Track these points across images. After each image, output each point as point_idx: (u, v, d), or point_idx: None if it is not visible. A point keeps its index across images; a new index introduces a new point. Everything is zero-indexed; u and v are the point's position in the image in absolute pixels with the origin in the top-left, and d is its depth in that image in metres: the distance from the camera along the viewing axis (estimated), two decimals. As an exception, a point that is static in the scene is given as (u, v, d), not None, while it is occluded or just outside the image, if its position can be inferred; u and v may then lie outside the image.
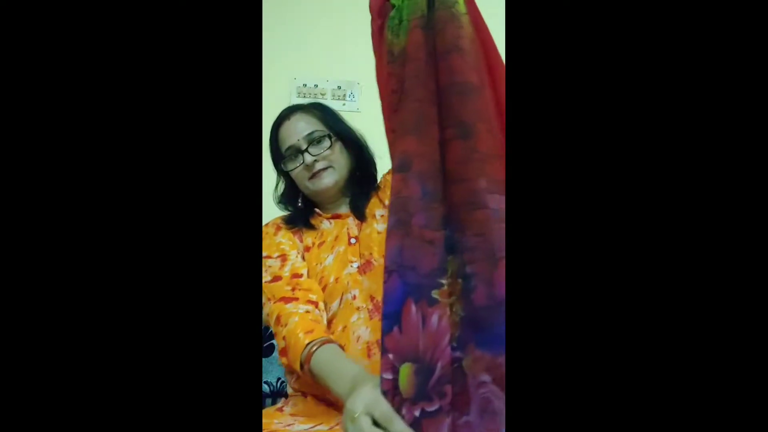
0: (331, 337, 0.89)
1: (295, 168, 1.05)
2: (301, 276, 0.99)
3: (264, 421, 0.84)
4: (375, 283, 0.95)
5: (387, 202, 1.03)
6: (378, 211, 1.05)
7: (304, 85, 1.87)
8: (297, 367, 0.87)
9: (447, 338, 0.62)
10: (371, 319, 0.93)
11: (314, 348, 0.85)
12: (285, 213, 1.13)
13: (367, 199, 1.07)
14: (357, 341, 0.92)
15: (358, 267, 0.99)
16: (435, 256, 0.64)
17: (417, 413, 0.60)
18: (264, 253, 1.02)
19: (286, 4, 1.90)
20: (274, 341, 1.38)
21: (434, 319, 0.62)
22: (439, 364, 0.61)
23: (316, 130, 1.04)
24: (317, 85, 1.88)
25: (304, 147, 1.03)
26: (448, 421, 0.59)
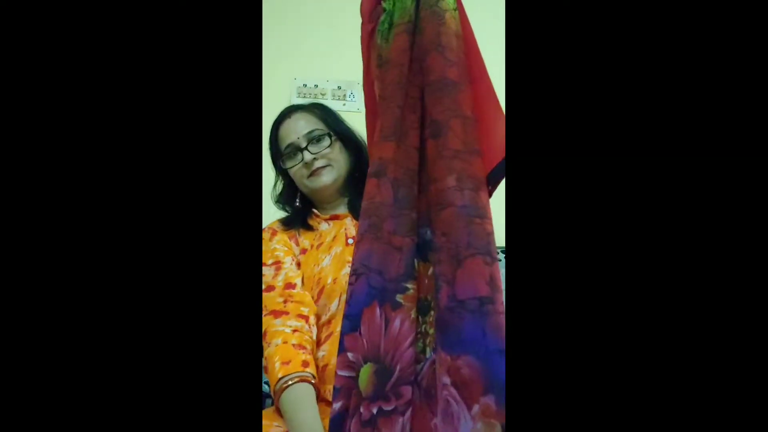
0: (307, 373, 0.88)
1: (294, 166, 1.05)
2: (294, 286, 0.98)
3: (264, 422, 0.84)
4: None
5: None
6: None
7: (304, 85, 1.87)
8: (272, 394, 0.88)
9: (409, 341, 0.63)
10: None
11: (286, 384, 0.85)
12: (282, 215, 1.13)
13: None
14: None
15: None
16: (402, 261, 0.65)
17: (374, 411, 0.61)
18: None
19: (287, 5, 1.90)
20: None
21: (397, 322, 0.63)
22: (398, 366, 0.62)
23: (316, 129, 1.05)
24: (317, 85, 1.88)
25: (303, 145, 1.04)
26: (402, 420, 0.60)
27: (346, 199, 1.09)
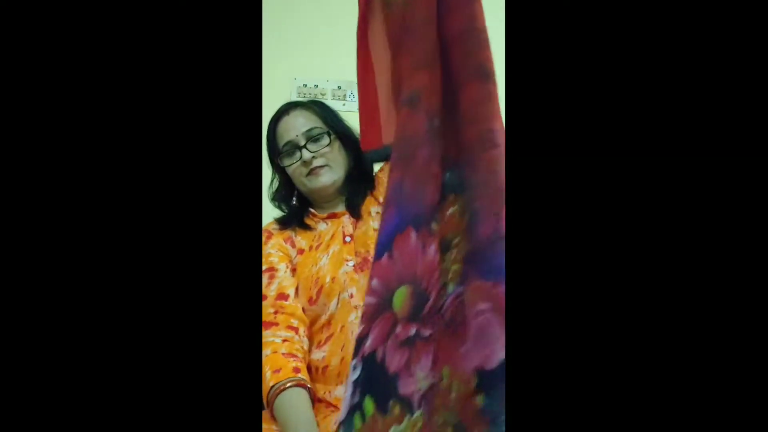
0: (299, 377, 0.88)
1: (293, 164, 1.04)
2: (287, 297, 0.97)
3: (263, 426, 0.84)
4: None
5: (381, 199, 1.03)
6: (373, 209, 1.04)
7: (305, 85, 1.87)
8: (265, 404, 0.88)
9: (438, 272, 0.63)
10: None
11: (279, 389, 0.85)
12: (278, 214, 1.12)
13: (364, 197, 1.06)
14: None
15: (354, 265, 0.98)
16: (437, 189, 0.65)
17: (412, 332, 0.61)
18: None
19: (287, 4, 1.90)
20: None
21: (432, 249, 0.63)
22: (433, 293, 0.62)
23: (316, 127, 1.04)
24: (317, 85, 1.88)
25: (302, 143, 1.02)
26: (433, 347, 0.60)
27: (344, 197, 1.08)
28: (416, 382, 0.59)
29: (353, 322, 0.93)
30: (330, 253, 1.01)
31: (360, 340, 0.63)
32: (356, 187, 1.08)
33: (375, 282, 0.63)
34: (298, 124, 1.04)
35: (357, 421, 0.60)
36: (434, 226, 0.64)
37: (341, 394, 0.90)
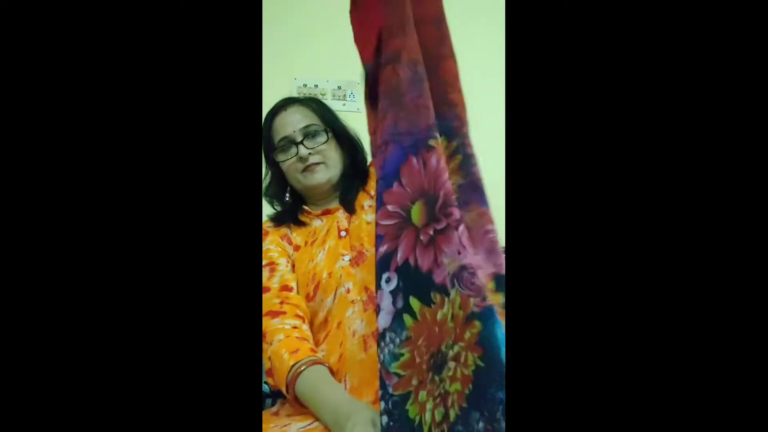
0: (319, 356, 0.87)
1: (288, 160, 1.03)
2: (291, 289, 0.97)
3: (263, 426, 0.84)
4: (369, 274, 0.94)
5: (373, 193, 1.02)
6: (366, 202, 1.04)
7: (305, 85, 1.87)
8: (283, 389, 0.86)
9: (446, 174, 0.71)
10: (365, 311, 0.92)
11: (300, 369, 0.83)
12: (271, 212, 1.11)
13: (357, 192, 1.06)
14: (353, 336, 0.91)
15: (350, 259, 0.98)
16: (429, 116, 0.74)
17: (431, 232, 0.69)
18: None
19: (287, 4, 1.90)
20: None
21: (433, 160, 0.71)
22: (441, 192, 0.69)
23: (313, 124, 1.03)
24: (317, 85, 1.88)
25: (299, 139, 1.02)
26: (456, 234, 0.68)
27: (338, 193, 1.08)
28: (445, 269, 0.67)
29: (350, 318, 0.93)
30: (326, 248, 1.00)
31: (386, 257, 0.71)
32: (350, 183, 1.07)
33: (390, 207, 0.72)
34: (295, 120, 1.04)
35: (408, 319, 0.68)
36: (432, 142, 0.72)
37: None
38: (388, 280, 0.70)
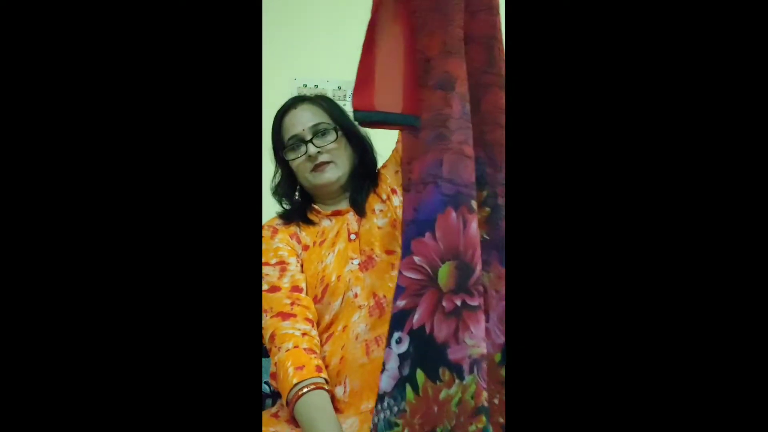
0: (322, 375, 0.87)
1: (297, 158, 1.02)
2: (301, 290, 0.96)
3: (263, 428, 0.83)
4: (378, 279, 0.94)
5: (385, 196, 1.03)
6: (377, 206, 1.03)
7: (305, 86, 1.87)
8: (284, 402, 0.86)
9: (480, 247, 0.67)
10: (371, 316, 0.92)
11: (302, 392, 0.83)
12: (280, 210, 1.10)
13: (367, 194, 1.05)
14: (356, 339, 0.91)
15: (359, 264, 0.97)
16: (473, 170, 0.69)
17: (458, 303, 0.65)
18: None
19: (287, 4, 1.89)
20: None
21: (474, 225, 0.67)
22: (477, 266, 0.66)
23: (323, 122, 1.02)
24: (317, 86, 1.88)
25: (308, 137, 1.01)
26: (483, 317, 0.65)
27: (347, 194, 1.06)
28: (466, 348, 0.63)
29: (356, 323, 0.93)
30: (336, 251, 1.00)
31: (402, 314, 0.66)
32: (360, 184, 1.06)
33: (417, 259, 0.66)
34: (304, 119, 1.03)
35: (409, 392, 0.64)
36: (473, 203, 0.68)
37: (341, 394, 0.90)
38: (399, 341, 0.65)
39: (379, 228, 0.99)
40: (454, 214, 0.66)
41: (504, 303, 0.65)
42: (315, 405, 0.83)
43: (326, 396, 0.85)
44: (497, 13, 0.74)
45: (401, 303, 0.66)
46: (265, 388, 1.34)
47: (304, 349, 0.88)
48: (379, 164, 1.11)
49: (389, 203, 1.03)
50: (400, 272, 0.67)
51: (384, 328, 0.88)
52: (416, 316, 0.65)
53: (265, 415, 0.93)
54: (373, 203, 1.04)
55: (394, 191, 1.03)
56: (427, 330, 0.64)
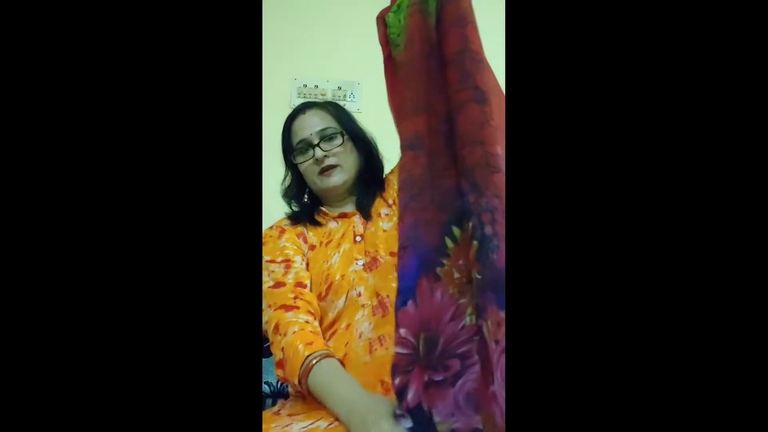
0: (331, 351, 0.88)
1: (305, 161, 1.06)
2: (305, 286, 0.99)
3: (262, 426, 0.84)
4: (381, 280, 0.96)
5: (391, 201, 1.06)
6: (383, 210, 1.06)
7: (304, 86, 1.87)
8: (295, 380, 0.86)
9: (450, 313, 0.64)
10: (374, 315, 0.93)
11: (313, 361, 0.84)
12: (289, 212, 1.14)
13: (374, 198, 1.08)
14: (360, 337, 0.92)
15: (363, 264, 0.99)
16: (439, 235, 0.66)
17: (426, 379, 0.62)
18: (267, 258, 1.02)
19: (286, 4, 1.90)
20: (274, 342, 1.38)
21: (438, 293, 0.64)
22: (442, 338, 0.63)
23: (330, 127, 1.06)
24: (317, 86, 1.88)
25: (315, 141, 1.05)
26: (453, 391, 0.61)
27: (354, 197, 1.10)
28: (435, 428, 0.60)
29: (359, 321, 0.94)
30: (341, 251, 1.03)
31: (401, 391, 0.64)
32: (366, 188, 1.10)
33: (404, 331, 0.64)
34: (312, 123, 1.07)
35: None
36: (438, 271, 0.65)
37: None
38: (404, 417, 0.63)
39: (384, 231, 1.02)
40: (426, 281, 0.65)
41: (504, 358, 0.59)
42: (328, 371, 0.84)
43: (338, 363, 0.86)
44: (467, 23, 0.71)
45: (396, 381, 0.64)
46: (265, 388, 1.34)
47: (310, 331, 0.91)
48: (387, 170, 1.14)
49: (395, 208, 1.05)
50: (395, 350, 0.65)
51: (387, 328, 0.90)
52: (410, 395, 0.63)
53: (267, 414, 0.94)
54: (380, 207, 1.07)
55: None
56: (426, 408, 0.62)
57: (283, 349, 0.89)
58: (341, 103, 1.89)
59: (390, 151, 1.12)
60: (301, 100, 1.85)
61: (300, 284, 0.98)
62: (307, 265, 1.04)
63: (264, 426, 0.84)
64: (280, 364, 0.89)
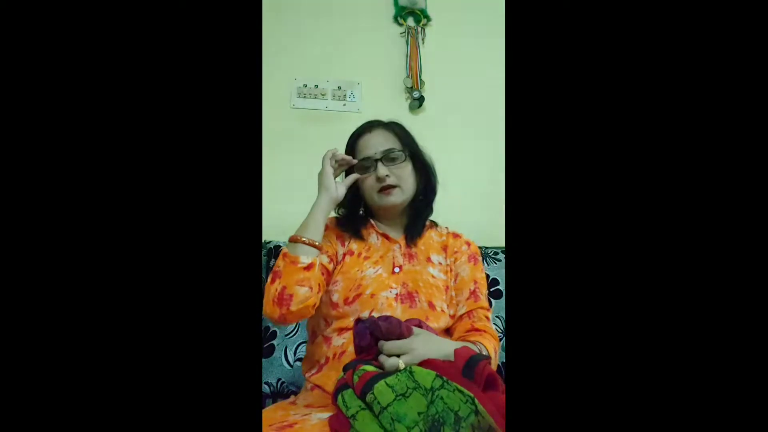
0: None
1: (367, 178, 1.09)
2: (320, 269, 1.02)
3: (279, 413, 0.86)
4: (411, 315, 0.98)
5: (452, 260, 1.12)
6: (437, 258, 1.11)
7: (304, 86, 1.87)
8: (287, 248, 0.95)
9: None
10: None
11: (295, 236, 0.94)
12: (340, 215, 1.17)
13: (422, 228, 1.14)
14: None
15: (396, 294, 1.02)
16: None
17: None
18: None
19: (286, 4, 1.89)
20: (274, 342, 1.38)
21: None
22: None
23: (394, 149, 1.09)
24: (317, 86, 1.88)
25: (378, 158, 1.08)
26: None
27: (404, 222, 1.14)
28: None
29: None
30: (377, 271, 1.06)
31: None
32: (416, 214, 1.14)
33: None
34: (377, 143, 1.10)
35: None
36: None
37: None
38: None
39: (433, 278, 1.07)
40: None
41: None
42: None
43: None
44: None
45: None
46: (265, 388, 1.34)
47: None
48: (441, 196, 1.17)
49: (453, 267, 1.12)
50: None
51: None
52: None
53: (284, 404, 0.96)
54: (432, 251, 1.13)
55: (466, 257, 1.13)
56: None
57: (274, 271, 0.96)
58: (341, 102, 1.89)
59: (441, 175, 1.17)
60: (301, 100, 1.85)
61: (316, 265, 1.00)
62: (331, 260, 1.07)
63: (281, 414, 0.86)
64: (273, 278, 0.95)
